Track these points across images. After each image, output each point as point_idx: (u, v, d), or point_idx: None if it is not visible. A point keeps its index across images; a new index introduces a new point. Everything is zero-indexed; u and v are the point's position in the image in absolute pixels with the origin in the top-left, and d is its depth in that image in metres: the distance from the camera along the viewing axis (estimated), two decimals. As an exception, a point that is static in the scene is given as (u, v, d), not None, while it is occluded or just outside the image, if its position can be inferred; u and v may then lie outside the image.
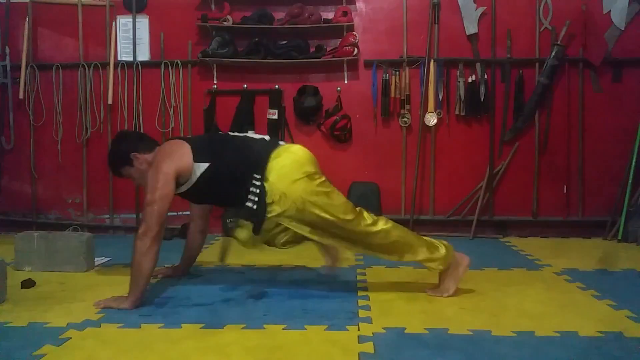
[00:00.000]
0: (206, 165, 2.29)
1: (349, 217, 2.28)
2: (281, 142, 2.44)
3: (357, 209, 2.34)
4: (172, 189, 2.26)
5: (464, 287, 2.53)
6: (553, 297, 2.41)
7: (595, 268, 2.96)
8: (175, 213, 3.57)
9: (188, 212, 2.78)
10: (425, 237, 2.42)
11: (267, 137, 2.48)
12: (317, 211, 2.24)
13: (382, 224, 2.33)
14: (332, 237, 2.34)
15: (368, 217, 2.33)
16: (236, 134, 2.66)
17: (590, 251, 3.40)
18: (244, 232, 2.29)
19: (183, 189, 2.32)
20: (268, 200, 2.24)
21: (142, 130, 3.98)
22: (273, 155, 2.30)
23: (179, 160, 2.28)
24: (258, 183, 2.25)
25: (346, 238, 2.33)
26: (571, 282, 2.66)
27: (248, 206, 2.24)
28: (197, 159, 2.30)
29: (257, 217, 2.25)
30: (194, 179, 2.30)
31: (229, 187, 2.30)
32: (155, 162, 2.28)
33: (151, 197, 2.21)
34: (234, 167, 2.30)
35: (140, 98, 4.02)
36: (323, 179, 2.33)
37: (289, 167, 2.28)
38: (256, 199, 2.24)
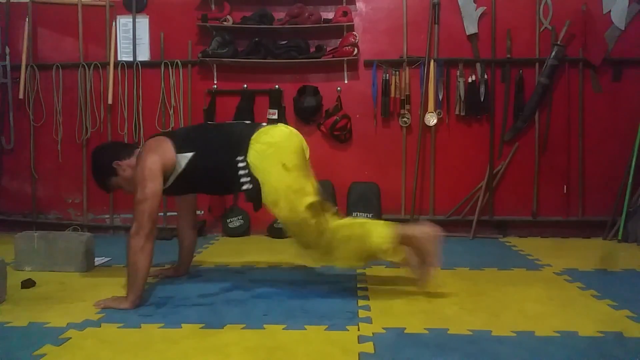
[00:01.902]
0: (190, 154, 2.31)
1: (310, 217, 2.24)
2: (263, 124, 2.43)
3: (327, 213, 2.31)
4: (160, 185, 2.27)
5: (464, 287, 2.53)
6: (553, 297, 2.40)
7: (595, 268, 2.95)
8: (175, 213, 3.57)
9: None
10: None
11: (247, 122, 2.49)
12: (289, 206, 2.24)
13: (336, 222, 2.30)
14: (294, 235, 2.34)
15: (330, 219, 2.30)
16: (216, 122, 2.68)
17: (590, 251, 3.40)
18: None
19: (171, 180, 2.34)
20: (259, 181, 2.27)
21: (142, 131, 3.99)
22: (253, 137, 2.31)
23: (162, 154, 2.30)
24: (244, 164, 2.27)
25: (307, 241, 2.33)
26: (571, 282, 2.66)
27: (248, 189, 2.27)
28: (181, 149, 2.32)
29: (257, 195, 2.27)
30: (179, 169, 2.32)
31: (215, 172, 2.33)
32: (140, 161, 2.28)
33: (141, 195, 2.21)
34: (217, 152, 2.32)
35: (140, 98, 4.02)
36: (299, 172, 2.30)
37: (266, 153, 2.28)
38: (249, 178, 2.27)
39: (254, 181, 2.27)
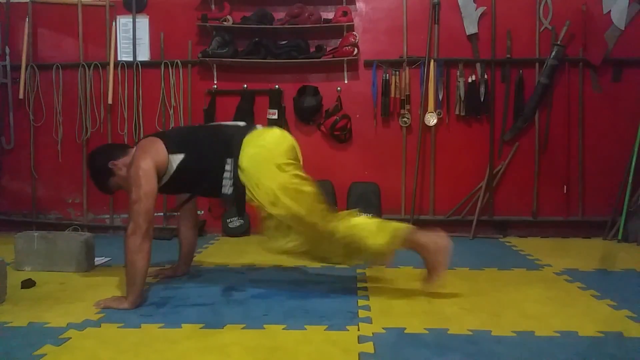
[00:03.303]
0: (181, 155, 2.32)
1: (315, 218, 2.25)
2: (258, 126, 2.44)
3: (327, 209, 2.30)
4: (155, 185, 2.27)
5: (464, 287, 2.53)
6: (553, 297, 2.40)
7: (595, 268, 2.95)
8: (176, 213, 3.57)
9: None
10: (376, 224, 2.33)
11: (241, 124, 2.49)
12: (288, 203, 2.23)
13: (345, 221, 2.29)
14: (300, 235, 2.32)
15: (335, 218, 2.30)
16: (210, 123, 2.68)
17: (590, 251, 3.40)
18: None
19: (164, 180, 2.34)
20: (247, 186, 2.27)
21: (142, 131, 3.99)
22: (245, 140, 2.31)
23: (155, 155, 2.30)
24: (229, 168, 2.28)
25: (311, 238, 2.31)
26: (571, 282, 2.66)
27: (225, 193, 2.29)
28: (172, 150, 2.33)
29: (238, 201, 2.28)
30: (171, 170, 2.33)
31: (205, 174, 2.33)
32: (134, 161, 2.28)
33: (136, 195, 2.22)
34: (208, 154, 2.33)
35: (140, 98, 4.02)
36: (295, 171, 2.30)
37: (260, 155, 2.29)
38: (231, 181, 2.28)
39: (239, 186, 2.28)
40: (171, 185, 2.39)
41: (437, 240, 2.32)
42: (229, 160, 2.29)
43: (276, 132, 2.43)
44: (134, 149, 2.42)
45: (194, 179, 2.37)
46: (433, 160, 3.95)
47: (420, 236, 2.32)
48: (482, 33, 3.89)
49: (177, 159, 2.32)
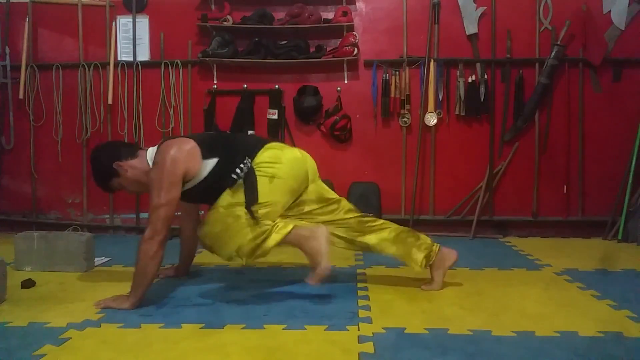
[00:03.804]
0: (215, 160, 2.27)
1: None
2: (273, 142, 2.47)
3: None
4: (179, 192, 2.22)
5: (464, 287, 2.53)
6: (553, 297, 2.41)
7: (595, 268, 2.96)
8: (177, 213, 3.57)
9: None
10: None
11: (261, 138, 2.52)
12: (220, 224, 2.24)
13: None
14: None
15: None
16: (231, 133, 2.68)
17: (590, 251, 3.40)
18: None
19: (188, 185, 2.28)
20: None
21: (142, 131, 3.99)
22: (268, 145, 2.36)
23: (188, 159, 2.23)
24: (247, 161, 2.26)
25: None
26: (571, 282, 2.66)
27: (233, 177, 2.23)
28: (205, 155, 2.27)
29: (251, 192, 2.23)
30: (202, 175, 2.26)
31: (228, 182, 2.27)
32: (160, 163, 2.21)
33: (157, 200, 2.16)
34: (237, 159, 2.28)
35: (140, 98, 4.02)
36: (268, 210, 2.27)
37: (272, 166, 2.29)
38: (242, 172, 2.24)
39: (250, 176, 2.26)
40: (195, 192, 2.30)
41: (450, 250, 2.48)
42: (248, 159, 2.28)
43: (296, 153, 2.43)
44: (145, 150, 2.36)
45: (220, 187, 2.27)
46: (433, 160, 3.95)
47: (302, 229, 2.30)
48: (482, 33, 3.89)
49: (211, 164, 2.26)
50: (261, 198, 2.24)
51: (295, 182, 2.36)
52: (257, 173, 2.27)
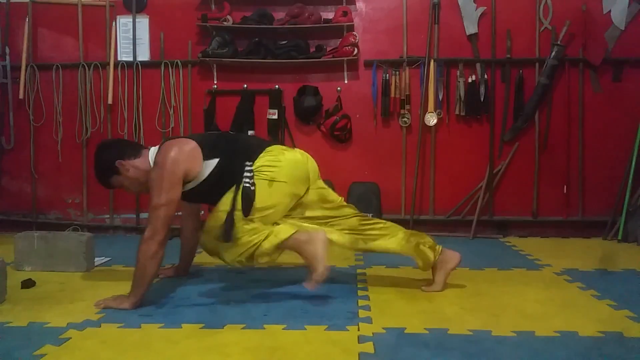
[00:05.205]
0: (216, 160, 2.27)
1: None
2: (275, 144, 2.46)
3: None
4: (180, 192, 2.22)
5: (464, 287, 2.53)
6: (553, 297, 2.41)
7: (595, 268, 2.96)
8: (178, 213, 3.57)
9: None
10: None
11: (263, 139, 2.51)
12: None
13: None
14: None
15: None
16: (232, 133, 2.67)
17: (590, 251, 3.40)
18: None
19: (189, 186, 2.28)
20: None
21: (142, 131, 3.99)
22: (268, 149, 2.35)
23: (188, 160, 2.23)
24: (250, 165, 2.27)
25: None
26: (571, 282, 2.66)
27: (247, 186, 2.23)
28: (207, 155, 2.27)
29: (250, 199, 2.23)
30: (203, 176, 2.27)
31: (228, 182, 2.28)
32: (161, 164, 2.21)
33: (157, 200, 2.16)
34: (238, 160, 2.29)
35: (140, 98, 4.02)
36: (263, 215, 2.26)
37: (269, 169, 2.29)
38: (252, 180, 2.24)
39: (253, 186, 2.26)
40: (196, 192, 2.31)
41: (454, 253, 2.49)
42: (249, 163, 2.28)
43: (296, 155, 2.42)
44: (148, 150, 2.37)
45: (221, 187, 2.27)
46: (433, 160, 3.95)
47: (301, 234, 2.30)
48: (482, 33, 3.89)
49: (212, 164, 2.27)
50: (261, 202, 2.24)
51: (295, 185, 2.36)
52: (256, 177, 2.26)
